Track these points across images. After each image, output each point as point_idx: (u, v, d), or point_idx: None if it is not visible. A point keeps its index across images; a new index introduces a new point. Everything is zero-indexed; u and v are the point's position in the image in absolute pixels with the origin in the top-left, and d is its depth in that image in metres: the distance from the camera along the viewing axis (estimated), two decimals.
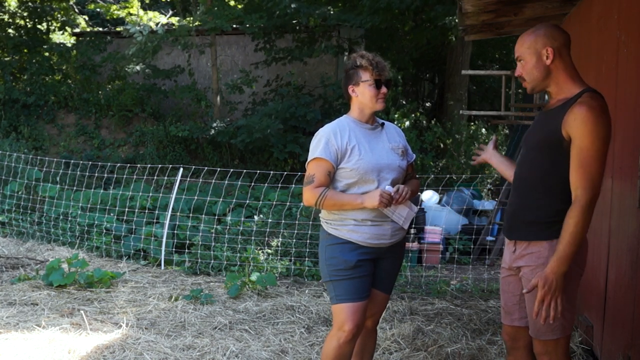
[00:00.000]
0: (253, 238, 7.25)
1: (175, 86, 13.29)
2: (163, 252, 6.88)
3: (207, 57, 13.41)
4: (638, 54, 3.21)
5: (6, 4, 14.34)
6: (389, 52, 13.36)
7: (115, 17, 15.56)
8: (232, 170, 8.90)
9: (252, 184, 8.33)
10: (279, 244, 7.09)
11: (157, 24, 12.54)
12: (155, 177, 9.82)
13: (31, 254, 7.20)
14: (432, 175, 9.60)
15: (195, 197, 7.72)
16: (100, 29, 16.45)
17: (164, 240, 6.94)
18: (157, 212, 8.20)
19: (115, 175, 9.27)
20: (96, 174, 8.96)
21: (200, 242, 6.92)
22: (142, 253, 7.24)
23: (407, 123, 12.01)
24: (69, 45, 15.06)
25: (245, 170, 8.47)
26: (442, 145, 12.83)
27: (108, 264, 6.82)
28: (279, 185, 7.85)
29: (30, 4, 14.62)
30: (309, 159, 2.98)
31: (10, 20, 14.59)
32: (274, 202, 8.17)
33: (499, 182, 9.78)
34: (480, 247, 7.88)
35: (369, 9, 11.13)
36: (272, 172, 8.73)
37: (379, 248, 2.96)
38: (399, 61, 13.13)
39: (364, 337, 3.14)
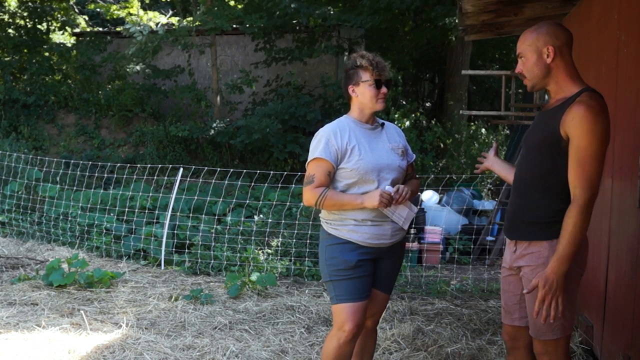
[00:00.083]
0: (253, 238, 7.25)
1: (175, 86, 13.29)
2: (163, 252, 6.88)
3: (207, 57, 13.41)
4: (638, 54, 3.21)
5: (6, 4, 14.35)
6: (389, 52, 13.37)
7: (115, 17, 15.56)
8: (232, 170, 8.90)
9: (252, 184, 8.33)
10: (279, 244, 7.09)
11: (157, 24, 12.54)
12: (155, 177, 9.82)
13: (31, 254, 7.20)
14: (432, 175, 9.60)
15: (195, 197, 7.73)
16: (100, 29, 16.46)
17: (164, 240, 6.94)
18: (157, 212, 8.20)
19: (115, 175, 9.27)
20: (96, 174, 8.96)
21: (200, 242, 6.92)
22: (142, 253, 7.24)
23: (407, 123, 12.02)
24: (69, 45, 15.07)
25: (245, 170, 8.47)
26: (442, 145, 12.84)
27: (108, 264, 6.82)
28: (279, 185, 7.85)
29: (30, 4, 14.62)
30: (309, 159, 2.98)
31: (10, 20, 14.59)
32: (274, 202, 8.17)
33: (499, 182, 9.78)
34: (480, 247, 7.87)
35: (369, 9, 11.14)
36: (272, 172, 8.73)
37: (379, 248, 2.96)
38: (399, 61, 13.13)
39: (364, 337, 3.14)
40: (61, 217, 8.07)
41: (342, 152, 2.92)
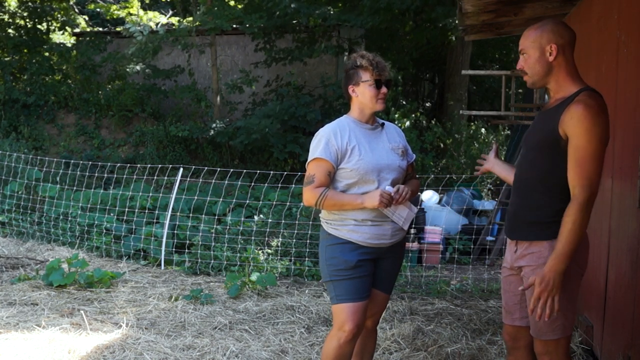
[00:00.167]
0: (253, 238, 7.25)
1: (175, 86, 13.29)
2: (163, 252, 6.88)
3: (207, 57, 13.41)
4: (638, 54, 3.21)
5: (6, 4, 14.35)
6: (389, 52, 13.37)
7: (115, 17, 15.57)
8: (232, 170, 8.90)
9: (252, 184, 8.33)
10: (279, 244, 7.09)
11: (157, 24, 12.54)
12: (155, 177, 9.82)
13: (31, 254, 7.20)
14: (432, 175, 9.60)
15: (195, 197, 7.73)
16: (100, 29, 16.46)
17: (164, 240, 6.94)
18: (157, 212, 8.20)
19: (115, 175, 9.27)
20: (96, 174, 8.96)
21: (200, 242, 6.92)
22: (142, 253, 7.24)
23: (407, 123, 12.02)
24: (69, 45, 15.07)
25: (245, 170, 8.47)
26: (442, 145, 12.84)
27: (108, 264, 6.82)
28: (279, 185, 7.85)
29: (30, 4, 14.62)
30: (309, 159, 2.98)
31: (10, 20, 14.59)
32: (274, 202, 8.17)
33: (499, 182, 9.78)
34: (480, 247, 7.87)
35: (369, 9, 11.14)
36: (272, 172, 8.73)
37: (379, 248, 2.96)
38: (399, 61, 13.13)
39: (364, 337, 3.14)
40: (61, 217, 8.07)
41: (342, 152, 2.91)
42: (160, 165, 9.41)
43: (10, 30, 14.46)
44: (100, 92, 13.44)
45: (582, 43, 4.25)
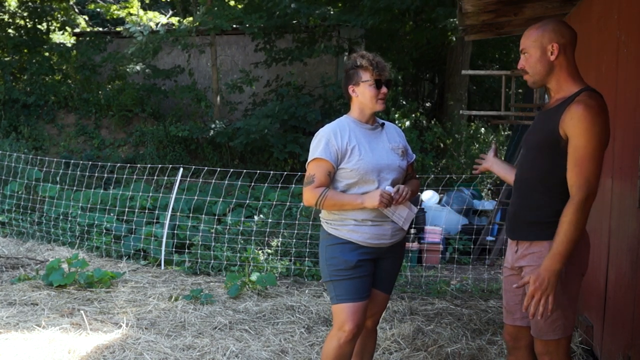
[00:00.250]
0: (253, 238, 7.25)
1: (175, 86, 13.29)
2: (163, 252, 6.88)
3: (207, 57, 13.41)
4: (638, 54, 3.21)
5: (6, 4, 14.35)
6: (389, 52, 13.37)
7: (115, 17, 15.57)
8: (232, 170, 8.91)
9: (252, 184, 8.33)
10: (279, 244, 7.09)
11: (157, 24, 12.54)
12: (155, 177, 9.82)
13: (31, 254, 7.20)
14: (432, 175, 9.60)
15: (195, 197, 7.73)
16: (100, 29, 16.46)
17: (164, 240, 6.94)
18: (157, 212, 8.20)
19: (115, 175, 9.27)
20: (96, 174, 8.96)
21: (200, 242, 6.92)
22: (142, 253, 7.24)
23: (407, 123, 12.02)
24: (69, 45, 15.07)
25: (245, 170, 8.47)
26: (442, 145, 12.84)
27: (108, 264, 6.82)
28: (279, 185, 7.85)
29: (30, 4, 14.62)
30: (309, 159, 2.98)
31: (10, 20, 14.59)
32: (274, 202, 8.17)
33: (499, 182, 9.78)
34: (480, 247, 7.87)
35: (369, 9, 11.14)
36: (272, 172, 8.73)
37: (379, 248, 2.96)
38: (399, 61, 13.13)
39: (364, 337, 3.14)
40: (61, 217, 8.07)
41: (342, 152, 2.92)
42: (160, 165, 9.41)
43: (10, 30, 14.46)
44: (100, 92, 13.44)
45: (582, 43, 4.25)
